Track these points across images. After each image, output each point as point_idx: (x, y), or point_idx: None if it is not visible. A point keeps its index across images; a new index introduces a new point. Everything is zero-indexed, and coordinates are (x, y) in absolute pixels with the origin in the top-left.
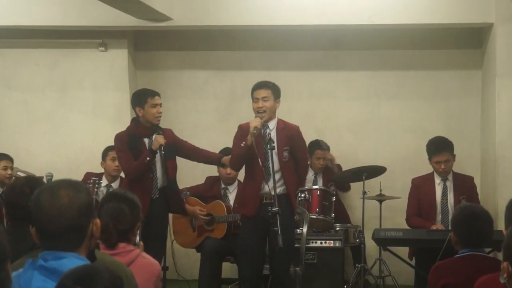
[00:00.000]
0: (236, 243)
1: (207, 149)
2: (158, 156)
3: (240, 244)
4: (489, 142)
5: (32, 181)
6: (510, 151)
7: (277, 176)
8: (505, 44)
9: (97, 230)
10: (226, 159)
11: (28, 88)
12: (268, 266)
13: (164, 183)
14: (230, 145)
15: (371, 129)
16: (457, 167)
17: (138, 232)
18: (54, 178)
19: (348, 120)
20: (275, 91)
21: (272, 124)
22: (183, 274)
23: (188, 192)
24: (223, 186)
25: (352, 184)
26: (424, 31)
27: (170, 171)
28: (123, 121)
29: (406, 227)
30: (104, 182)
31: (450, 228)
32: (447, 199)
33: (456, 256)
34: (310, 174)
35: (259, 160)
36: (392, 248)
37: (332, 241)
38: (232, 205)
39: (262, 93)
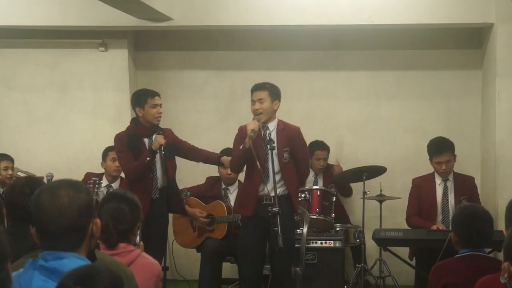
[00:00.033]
0: (236, 243)
1: (207, 149)
2: (158, 156)
3: (240, 244)
4: (489, 142)
5: (32, 181)
6: (510, 151)
7: (277, 177)
8: (505, 44)
9: (97, 230)
10: (225, 159)
11: (28, 88)
12: (268, 266)
13: (164, 183)
14: (230, 145)
15: (371, 129)
16: (457, 167)
17: (138, 232)
18: (54, 178)
19: (348, 120)
20: (273, 93)
21: (272, 125)
22: (183, 274)
23: (188, 192)
24: (223, 186)
25: (352, 184)
26: (424, 31)
27: (170, 171)
28: (123, 121)
29: (407, 227)
30: (104, 182)
31: (450, 228)
32: (447, 200)
33: (456, 256)
34: (310, 175)
35: (258, 162)
36: (393, 248)
37: (332, 241)
38: (232, 205)
39: (259, 95)
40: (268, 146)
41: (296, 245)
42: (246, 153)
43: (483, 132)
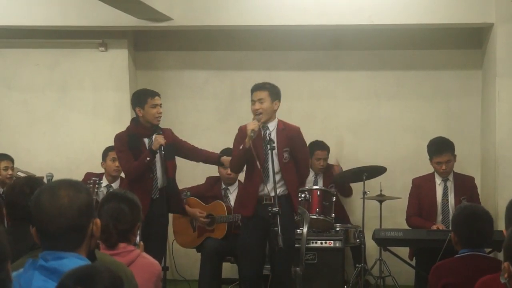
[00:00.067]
0: (236, 243)
1: (207, 149)
2: (158, 156)
3: (240, 244)
4: (489, 142)
5: (32, 181)
6: (510, 151)
7: (277, 177)
8: (505, 44)
9: (97, 230)
10: (225, 159)
11: (28, 88)
12: (268, 266)
13: (164, 183)
14: (230, 145)
15: (371, 129)
16: (457, 167)
17: (138, 232)
18: (54, 178)
19: (348, 120)
20: (273, 93)
21: (272, 125)
22: (183, 274)
23: (188, 192)
24: (223, 186)
25: (352, 184)
26: (424, 31)
27: (170, 171)
28: (123, 121)
29: (407, 227)
30: (104, 182)
31: (450, 228)
32: (447, 200)
33: (456, 256)
34: (310, 175)
35: (258, 162)
36: (393, 248)
37: (332, 241)
38: (232, 205)
39: (258, 95)
40: (268, 146)
41: (296, 245)
42: (246, 153)
43: (483, 132)
